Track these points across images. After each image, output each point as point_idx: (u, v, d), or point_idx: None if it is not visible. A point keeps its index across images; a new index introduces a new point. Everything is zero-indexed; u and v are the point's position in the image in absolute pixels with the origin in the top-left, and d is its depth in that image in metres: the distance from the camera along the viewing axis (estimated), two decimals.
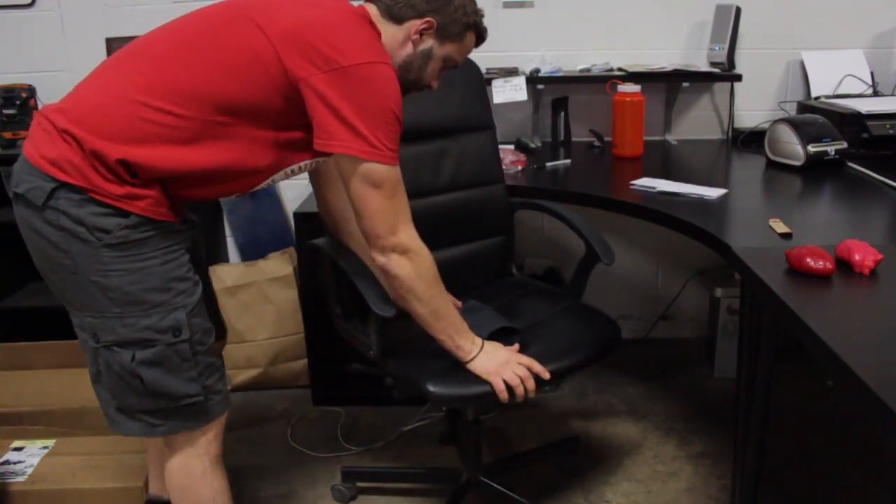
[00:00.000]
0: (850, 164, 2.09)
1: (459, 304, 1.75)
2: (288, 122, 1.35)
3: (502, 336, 1.65)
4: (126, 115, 1.27)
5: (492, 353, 1.54)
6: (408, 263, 1.43)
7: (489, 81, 2.38)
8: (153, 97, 1.28)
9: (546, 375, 1.54)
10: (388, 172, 1.36)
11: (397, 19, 1.42)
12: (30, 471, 1.92)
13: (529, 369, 1.53)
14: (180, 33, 1.35)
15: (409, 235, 1.43)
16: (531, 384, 1.52)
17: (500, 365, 1.52)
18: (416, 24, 1.42)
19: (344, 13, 1.34)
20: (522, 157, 2.32)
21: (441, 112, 1.95)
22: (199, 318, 1.38)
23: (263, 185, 1.45)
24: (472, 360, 1.53)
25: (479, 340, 1.55)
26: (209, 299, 1.62)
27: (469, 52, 1.53)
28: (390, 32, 1.42)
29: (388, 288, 1.51)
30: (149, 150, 1.28)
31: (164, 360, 1.34)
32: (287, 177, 1.47)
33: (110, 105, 1.28)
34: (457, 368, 1.57)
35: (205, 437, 1.44)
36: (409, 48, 1.44)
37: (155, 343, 1.33)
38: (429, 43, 1.45)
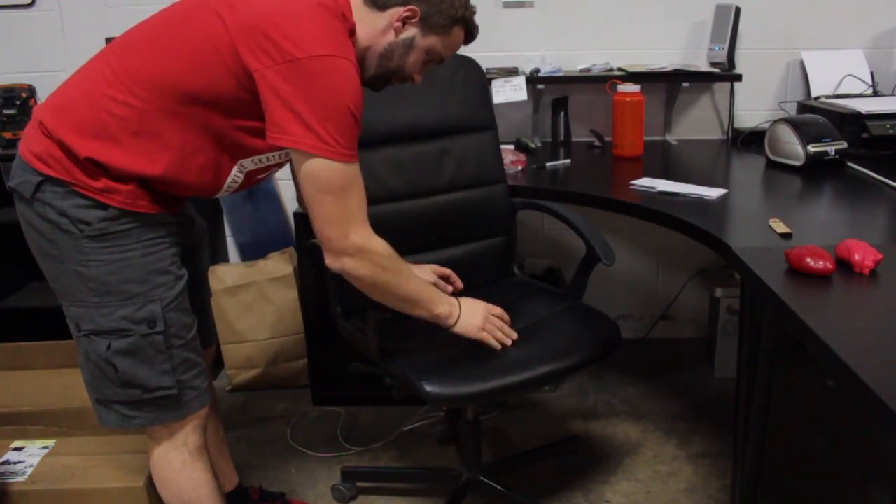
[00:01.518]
0: (850, 164, 2.08)
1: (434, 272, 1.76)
2: (247, 110, 1.32)
3: None
4: (93, 109, 1.30)
5: (470, 308, 1.58)
6: (364, 264, 1.39)
7: (489, 81, 2.38)
8: (117, 89, 1.30)
9: (514, 335, 1.63)
10: (340, 170, 1.31)
11: (381, 6, 1.39)
12: (30, 471, 1.92)
13: (503, 318, 1.63)
14: (151, 25, 1.37)
15: (361, 237, 1.38)
16: (508, 331, 1.62)
17: (483, 319, 1.58)
18: (398, 11, 1.39)
19: (309, 5, 1.30)
20: (522, 157, 2.32)
21: (443, 112, 1.95)
22: (177, 312, 1.40)
23: (235, 175, 1.42)
24: (455, 323, 1.55)
25: (454, 301, 1.57)
26: (201, 301, 1.62)
27: (457, 47, 1.50)
28: (371, 20, 1.39)
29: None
30: (113, 147, 1.30)
31: (138, 350, 1.36)
32: (258, 167, 1.44)
33: (80, 99, 1.33)
34: (455, 368, 1.58)
35: (182, 430, 1.47)
36: (390, 36, 1.40)
37: (130, 333, 1.35)
38: (411, 32, 1.41)
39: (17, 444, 2.04)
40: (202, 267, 1.68)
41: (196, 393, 1.45)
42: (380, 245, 1.42)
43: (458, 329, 1.56)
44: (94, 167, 1.30)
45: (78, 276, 1.34)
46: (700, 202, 1.84)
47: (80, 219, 1.31)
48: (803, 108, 2.48)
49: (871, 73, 2.52)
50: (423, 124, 1.93)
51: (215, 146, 1.36)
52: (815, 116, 2.20)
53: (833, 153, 2.06)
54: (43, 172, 1.30)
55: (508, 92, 2.45)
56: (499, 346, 1.59)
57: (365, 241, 1.39)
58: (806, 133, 2.09)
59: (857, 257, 1.30)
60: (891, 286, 1.26)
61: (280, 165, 1.49)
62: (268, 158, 1.43)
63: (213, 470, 1.54)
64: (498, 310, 1.64)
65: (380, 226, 1.84)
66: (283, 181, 2.75)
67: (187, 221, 1.54)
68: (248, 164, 1.42)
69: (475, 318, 1.58)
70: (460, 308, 1.57)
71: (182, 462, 1.48)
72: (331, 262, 1.39)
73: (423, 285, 1.55)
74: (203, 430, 1.51)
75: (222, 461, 1.81)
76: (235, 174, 1.43)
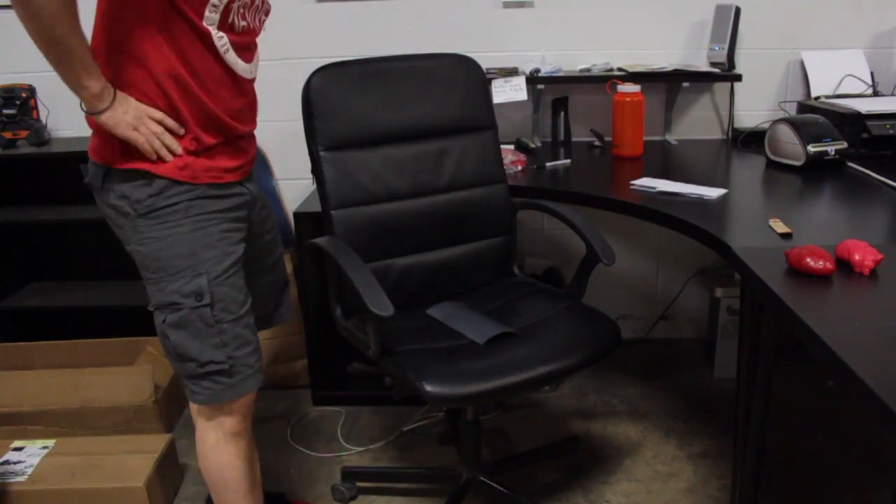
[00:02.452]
0: (850, 164, 2.09)
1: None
2: None
3: (499, 339, 1.68)
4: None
5: (125, 102, 1.35)
6: None
7: (489, 81, 2.38)
8: (102, 54, 1.34)
9: (177, 149, 1.39)
10: None
11: None
12: (30, 471, 1.92)
13: (163, 124, 1.37)
14: None
15: None
16: (170, 141, 1.38)
17: (136, 119, 1.34)
18: None
19: None
20: (522, 157, 2.32)
21: (443, 112, 1.95)
22: (225, 287, 1.43)
23: (216, 35, 1.36)
24: (106, 110, 1.33)
25: (111, 87, 1.34)
26: (275, 282, 1.71)
27: None
28: None
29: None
30: (133, 65, 1.33)
31: (188, 323, 1.41)
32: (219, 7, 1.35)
33: None
34: (455, 368, 1.58)
35: (220, 410, 1.49)
36: None
37: (180, 307, 1.40)
38: None
39: (17, 444, 2.04)
40: (265, 249, 1.68)
41: (250, 371, 1.47)
42: None
43: (106, 119, 1.33)
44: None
45: (139, 256, 1.42)
46: (700, 202, 1.84)
47: (135, 198, 1.38)
48: (803, 108, 2.48)
49: (871, 73, 2.52)
50: (423, 124, 1.93)
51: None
52: (815, 116, 2.20)
53: (833, 153, 2.06)
54: (103, 164, 1.40)
55: (508, 92, 2.45)
56: (153, 154, 1.37)
57: None
58: (806, 133, 2.09)
59: (857, 257, 1.30)
60: (891, 286, 1.26)
61: (252, 6, 1.41)
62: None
63: (248, 458, 1.55)
64: (158, 114, 1.37)
65: (380, 226, 1.87)
66: (283, 181, 2.75)
67: (245, 202, 1.51)
68: (212, 15, 1.33)
69: (127, 113, 1.34)
70: (115, 97, 1.34)
71: (215, 440, 1.51)
72: None
73: (88, 51, 1.30)
74: (243, 416, 1.52)
75: None
76: (217, 34, 1.35)
